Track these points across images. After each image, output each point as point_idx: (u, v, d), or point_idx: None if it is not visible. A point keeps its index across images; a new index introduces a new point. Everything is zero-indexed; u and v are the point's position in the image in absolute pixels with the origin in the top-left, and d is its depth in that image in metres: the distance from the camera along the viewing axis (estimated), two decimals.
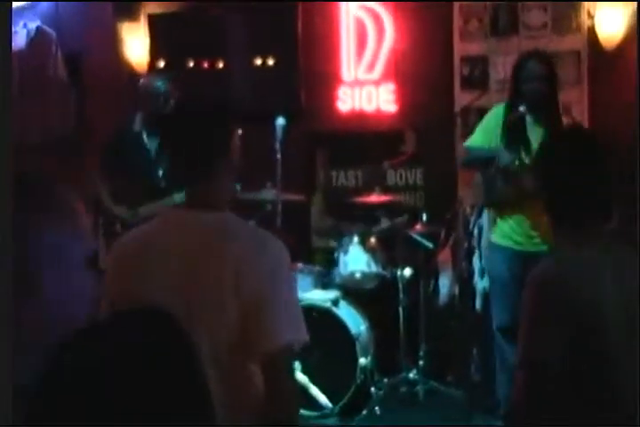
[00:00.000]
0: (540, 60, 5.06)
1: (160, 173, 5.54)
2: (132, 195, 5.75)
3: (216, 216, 2.61)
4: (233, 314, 2.43)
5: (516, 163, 4.91)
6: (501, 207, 5.05)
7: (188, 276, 2.49)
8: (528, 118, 4.99)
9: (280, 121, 5.66)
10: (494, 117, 5.14)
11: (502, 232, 5.07)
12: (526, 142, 4.97)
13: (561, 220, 2.70)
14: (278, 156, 5.58)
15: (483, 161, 5.01)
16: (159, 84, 5.84)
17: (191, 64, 7.52)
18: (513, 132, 4.95)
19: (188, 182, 2.68)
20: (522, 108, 4.88)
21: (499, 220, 5.08)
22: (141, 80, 5.95)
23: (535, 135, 4.97)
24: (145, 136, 5.85)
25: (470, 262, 5.17)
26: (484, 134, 5.15)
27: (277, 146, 5.59)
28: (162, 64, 7.55)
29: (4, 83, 2.19)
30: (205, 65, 7.51)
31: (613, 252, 2.65)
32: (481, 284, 5.48)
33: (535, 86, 4.94)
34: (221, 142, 2.63)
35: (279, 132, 5.62)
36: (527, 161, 4.89)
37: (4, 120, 2.11)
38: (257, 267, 2.47)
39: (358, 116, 7.22)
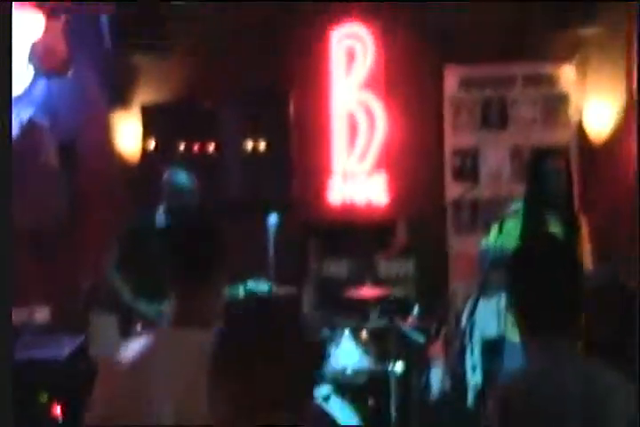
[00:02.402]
0: (559, 157, 5.13)
1: None
2: (154, 291, 5.68)
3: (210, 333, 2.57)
4: None
5: None
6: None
7: (188, 399, 2.43)
8: (547, 215, 5.00)
9: (273, 218, 5.65)
10: (510, 214, 5.11)
11: None
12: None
13: (532, 330, 2.63)
14: (270, 252, 5.56)
15: (499, 260, 4.92)
16: (183, 179, 5.83)
17: (182, 147, 7.55)
18: (532, 228, 4.93)
19: (181, 296, 2.64)
20: (514, 208, 4.89)
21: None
22: (165, 175, 5.91)
23: (556, 231, 4.99)
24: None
25: (463, 358, 5.11)
26: (498, 231, 5.12)
27: (270, 244, 5.57)
28: (152, 146, 7.58)
29: (5, 81, 2.18)
30: (196, 148, 7.53)
31: (585, 367, 2.58)
32: (473, 379, 5.42)
33: (554, 183, 4.97)
34: (220, 258, 2.64)
35: (272, 230, 5.61)
36: None
37: (4, 120, 2.09)
38: None
39: (349, 208, 7.23)
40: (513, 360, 5.12)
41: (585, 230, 5.12)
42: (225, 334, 2.05)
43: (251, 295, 2.28)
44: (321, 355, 2.02)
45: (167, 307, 2.69)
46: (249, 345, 1.97)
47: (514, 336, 5.08)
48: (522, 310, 2.66)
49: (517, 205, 5.11)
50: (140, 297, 5.80)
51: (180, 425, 2.43)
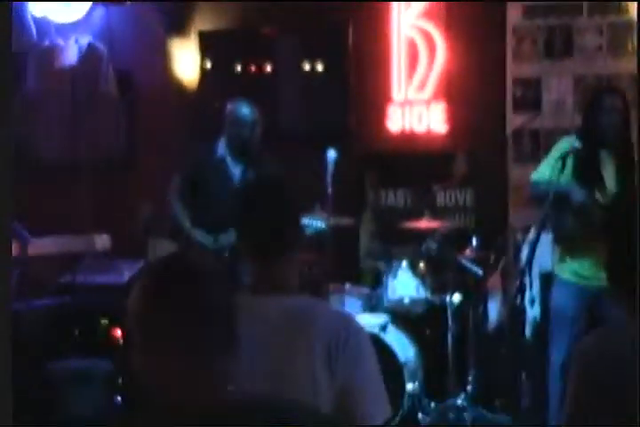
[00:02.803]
0: (617, 96, 5.02)
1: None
2: (212, 221, 5.74)
3: (296, 301, 2.55)
4: (324, 401, 2.38)
5: (591, 200, 4.82)
6: (572, 245, 4.96)
7: (277, 369, 2.42)
8: (602, 154, 4.91)
9: (331, 153, 5.60)
10: (563, 151, 5.02)
11: (572, 270, 5.00)
12: (600, 180, 4.90)
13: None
14: (329, 183, 5.54)
15: (555, 196, 4.88)
16: (246, 111, 5.81)
17: (239, 68, 7.51)
18: (585, 171, 4.86)
19: (260, 262, 2.58)
20: (576, 144, 4.80)
21: (568, 257, 5.00)
22: (228, 105, 5.89)
23: (609, 172, 4.92)
24: (229, 161, 5.85)
25: (522, 289, 5.08)
26: (552, 168, 5.03)
27: (328, 179, 5.54)
28: (209, 65, 7.54)
29: (5, 82, 2.17)
30: (254, 72, 7.49)
31: None
32: (531, 312, 5.40)
33: (610, 121, 4.87)
34: (297, 226, 2.63)
35: (330, 165, 5.57)
36: (601, 199, 4.83)
37: (4, 120, 2.10)
38: (346, 352, 2.41)
39: (408, 137, 7.15)
40: (560, 295, 5.13)
41: None
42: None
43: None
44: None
45: (245, 275, 2.65)
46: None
47: (561, 272, 5.09)
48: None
49: (575, 141, 5.01)
50: (199, 227, 5.85)
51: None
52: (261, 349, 2.43)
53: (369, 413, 2.42)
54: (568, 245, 4.98)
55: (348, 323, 2.53)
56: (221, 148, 5.88)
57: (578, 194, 4.81)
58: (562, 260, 5.03)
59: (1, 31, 2.30)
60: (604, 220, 4.77)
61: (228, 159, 5.86)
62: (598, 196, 4.85)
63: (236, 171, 5.84)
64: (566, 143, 5.02)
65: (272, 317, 2.48)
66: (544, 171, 5.07)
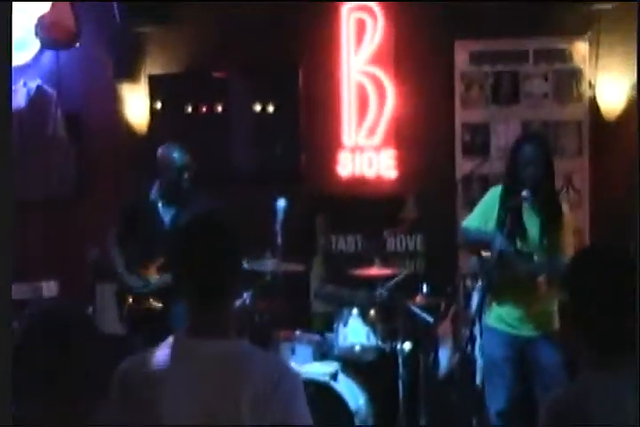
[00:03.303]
0: (538, 145, 5.03)
1: None
2: (144, 265, 5.75)
3: (232, 345, 2.53)
4: None
5: (512, 249, 4.87)
6: (497, 292, 5.00)
7: (207, 413, 2.42)
8: (525, 204, 4.95)
9: (281, 202, 5.65)
10: (492, 199, 5.10)
11: (498, 316, 5.04)
12: (523, 229, 4.94)
13: (591, 344, 2.56)
14: (278, 232, 5.57)
15: (480, 244, 4.98)
16: (176, 155, 5.83)
17: (189, 110, 7.51)
18: (510, 217, 4.89)
19: (198, 304, 2.55)
20: (524, 193, 4.85)
21: (494, 303, 5.04)
22: (159, 150, 5.92)
23: (531, 221, 4.96)
24: (160, 206, 5.85)
25: (472, 339, 5.11)
26: (482, 216, 5.12)
27: (278, 227, 5.57)
28: (159, 107, 7.53)
29: (4, 82, 2.16)
30: (204, 110, 7.49)
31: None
32: (482, 360, 5.42)
33: (533, 171, 4.89)
34: (237, 268, 2.59)
35: (280, 214, 5.61)
36: (523, 248, 4.88)
37: (4, 120, 2.08)
38: (276, 396, 2.41)
39: (358, 182, 7.18)
40: (489, 343, 5.15)
41: (568, 218, 5.07)
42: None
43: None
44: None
45: (180, 308, 2.64)
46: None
47: (488, 319, 5.11)
48: (587, 318, 2.57)
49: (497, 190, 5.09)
50: (133, 271, 5.84)
51: None
52: (190, 391, 2.43)
53: None
54: (494, 292, 5.00)
55: (281, 368, 2.53)
56: (154, 192, 5.90)
57: (500, 242, 4.84)
58: (489, 305, 5.04)
59: (1, 31, 2.30)
60: (527, 269, 4.83)
61: (160, 203, 5.87)
62: (520, 245, 4.90)
63: (166, 215, 5.85)
64: (494, 192, 5.10)
65: (204, 360, 2.46)
66: (474, 218, 5.15)
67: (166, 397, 2.44)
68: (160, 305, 5.70)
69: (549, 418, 2.51)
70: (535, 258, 4.87)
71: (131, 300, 5.81)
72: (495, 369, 5.07)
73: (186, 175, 5.83)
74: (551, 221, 4.95)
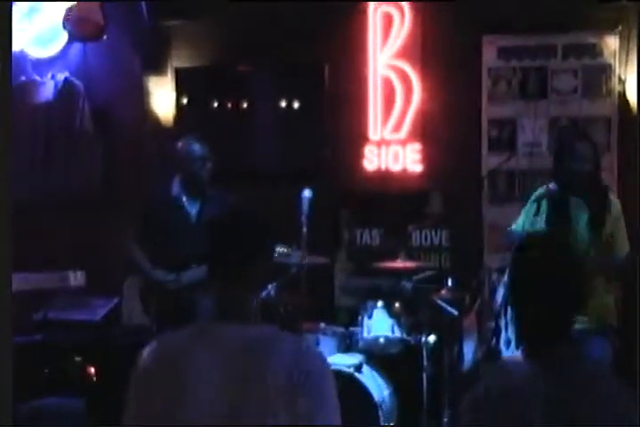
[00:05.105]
0: (588, 144, 5.08)
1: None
2: (171, 260, 5.73)
3: (259, 330, 2.54)
4: None
5: None
6: None
7: (233, 397, 2.41)
8: (573, 199, 4.94)
9: (307, 193, 5.65)
10: (536, 200, 5.08)
11: None
12: (569, 224, 4.93)
13: (523, 333, 2.56)
14: (304, 223, 5.56)
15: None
16: (197, 147, 5.84)
17: (215, 105, 7.52)
18: (558, 215, 4.89)
19: (226, 291, 2.58)
20: (551, 186, 4.85)
21: None
22: (179, 143, 5.92)
23: (580, 217, 4.95)
24: (185, 200, 5.85)
25: (497, 331, 5.09)
26: (527, 213, 5.11)
27: (303, 218, 5.57)
28: (185, 102, 7.55)
29: (4, 82, 2.17)
30: (229, 105, 7.50)
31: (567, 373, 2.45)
32: (507, 354, 5.40)
33: (582, 169, 4.92)
34: (265, 256, 2.62)
35: (305, 205, 5.61)
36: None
37: (4, 120, 2.09)
38: (305, 383, 2.40)
39: (384, 176, 7.18)
40: None
41: (617, 211, 5.05)
42: None
43: None
44: None
45: (208, 302, 2.65)
46: None
47: None
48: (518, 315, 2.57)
49: (552, 186, 5.07)
50: (160, 266, 5.82)
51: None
52: (218, 374, 2.42)
53: None
54: None
55: (307, 353, 2.52)
56: (176, 186, 5.89)
57: None
58: None
59: (1, 31, 2.31)
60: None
61: (184, 197, 5.86)
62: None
63: (192, 209, 5.84)
64: (543, 189, 5.09)
65: (231, 343, 2.46)
66: (522, 219, 5.15)
67: (191, 381, 2.42)
68: (189, 299, 5.67)
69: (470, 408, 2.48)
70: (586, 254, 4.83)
71: (159, 294, 5.79)
72: None
73: (207, 168, 5.83)
74: (601, 216, 4.94)
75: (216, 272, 2.59)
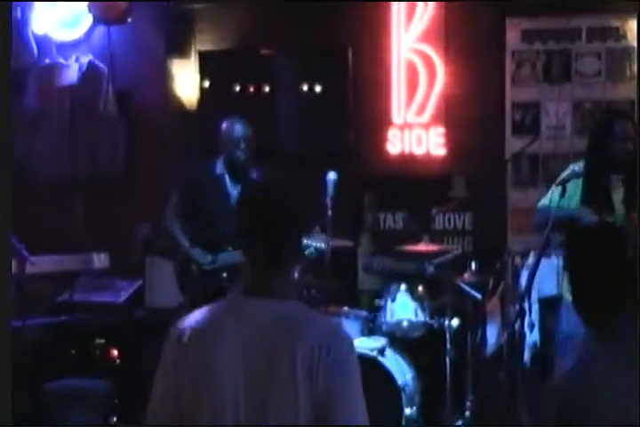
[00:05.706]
0: (627, 121, 5.06)
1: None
2: (209, 240, 5.75)
3: (287, 305, 2.54)
4: (304, 410, 2.38)
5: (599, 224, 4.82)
6: None
7: (260, 371, 2.43)
8: (612, 177, 4.93)
9: (331, 175, 5.63)
10: (571, 177, 5.04)
11: None
12: (609, 203, 4.91)
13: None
14: (328, 206, 5.55)
15: (562, 221, 4.88)
16: (242, 128, 5.85)
17: (237, 89, 7.52)
18: (597, 191, 4.87)
19: (259, 267, 2.59)
20: (576, 168, 4.83)
21: None
22: (223, 124, 5.92)
23: (618, 195, 4.93)
24: (227, 180, 5.87)
25: (521, 314, 5.09)
26: (553, 194, 5.08)
27: (328, 201, 5.56)
28: (207, 85, 7.56)
29: (5, 81, 2.18)
30: (252, 89, 7.50)
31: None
32: (531, 337, 5.41)
33: (623, 147, 4.90)
34: (298, 232, 2.63)
35: (330, 187, 5.60)
36: (610, 221, 4.83)
37: (4, 120, 2.10)
38: (328, 361, 2.40)
39: (407, 160, 7.17)
40: (569, 321, 5.12)
41: None
42: None
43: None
44: None
45: (241, 276, 2.66)
46: None
47: (570, 296, 5.08)
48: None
49: (579, 166, 5.03)
50: (196, 245, 5.84)
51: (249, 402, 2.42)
52: (246, 348, 2.44)
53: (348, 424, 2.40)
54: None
55: (334, 332, 2.52)
56: (219, 166, 5.91)
57: (586, 217, 4.80)
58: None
59: (1, 31, 2.31)
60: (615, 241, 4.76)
61: (227, 178, 5.88)
62: (607, 217, 4.85)
63: (233, 190, 5.85)
64: (570, 170, 5.06)
65: (260, 318, 2.48)
66: (547, 198, 5.11)
67: (221, 354, 2.45)
68: (227, 280, 5.67)
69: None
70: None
71: (196, 274, 5.80)
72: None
73: (250, 148, 5.85)
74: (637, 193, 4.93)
75: (249, 247, 2.61)
